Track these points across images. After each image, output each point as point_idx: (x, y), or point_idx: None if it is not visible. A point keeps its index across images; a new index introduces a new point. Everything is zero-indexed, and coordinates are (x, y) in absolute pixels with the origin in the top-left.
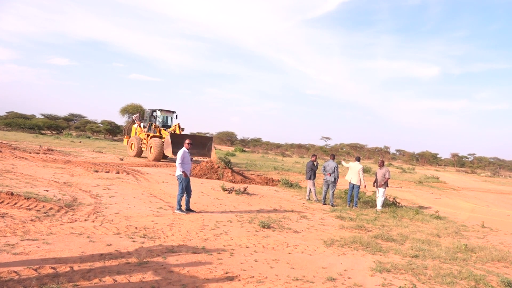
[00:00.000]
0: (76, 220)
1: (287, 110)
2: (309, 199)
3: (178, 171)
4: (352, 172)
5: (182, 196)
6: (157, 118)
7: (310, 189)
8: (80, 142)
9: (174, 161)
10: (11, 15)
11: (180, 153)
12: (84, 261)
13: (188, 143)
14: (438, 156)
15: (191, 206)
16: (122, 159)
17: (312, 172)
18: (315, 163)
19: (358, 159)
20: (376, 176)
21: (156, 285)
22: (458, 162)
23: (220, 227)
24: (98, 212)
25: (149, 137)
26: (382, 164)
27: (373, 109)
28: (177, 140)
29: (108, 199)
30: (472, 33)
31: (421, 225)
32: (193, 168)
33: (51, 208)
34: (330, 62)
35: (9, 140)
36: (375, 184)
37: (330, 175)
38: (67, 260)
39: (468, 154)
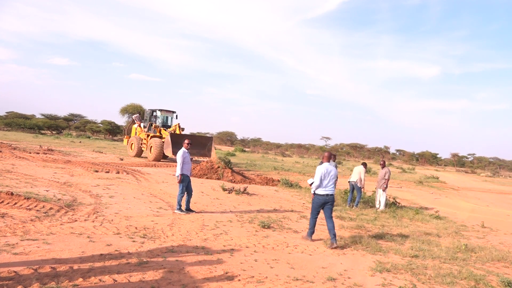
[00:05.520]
0: (76, 220)
1: (287, 110)
2: None
3: (179, 171)
4: (354, 173)
5: (182, 196)
6: (157, 118)
7: None
8: (80, 142)
9: (174, 161)
10: (11, 15)
11: (180, 153)
12: (84, 261)
13: (187, 143)
14: (438, 156)
15: (191, 206)
16: (122, 159)
17: None
18: None
19: (364, 165)
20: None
21: (156, 285)
22: (458, 162)
23: (220, 227)
24: (98, 212)
25: (149, 137)
26: (383, 165)
27: (373, 109)
28: (177, 140)
29: (108, 199)
30: (472, 33)
31: (421, 225)
32: (193, 168)
33: (51, 208)
34: (330, 62)
35: (9, 140)
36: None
37: None
38: (67, 260)
39: (468, 154)
